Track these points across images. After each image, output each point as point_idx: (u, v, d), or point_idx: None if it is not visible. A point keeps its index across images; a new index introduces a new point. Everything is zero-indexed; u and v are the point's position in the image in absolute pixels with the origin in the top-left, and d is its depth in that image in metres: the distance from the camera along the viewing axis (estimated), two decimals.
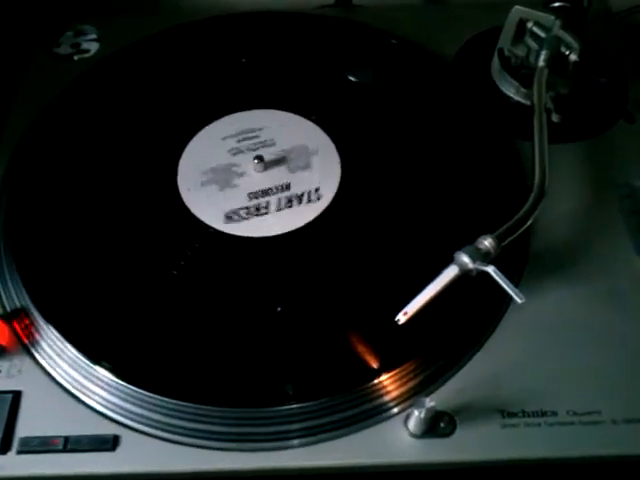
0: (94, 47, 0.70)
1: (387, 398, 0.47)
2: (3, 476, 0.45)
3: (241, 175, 0.59)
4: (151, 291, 0.52)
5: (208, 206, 0.56)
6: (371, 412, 0.47)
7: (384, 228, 0.56)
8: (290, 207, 0.56)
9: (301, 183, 0.58)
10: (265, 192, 0.57)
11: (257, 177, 0.58)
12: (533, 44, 0.61)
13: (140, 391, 0.47)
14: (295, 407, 0.46)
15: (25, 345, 0.50)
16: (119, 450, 0.46)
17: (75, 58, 0.69)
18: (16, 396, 0.48)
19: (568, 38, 0.59)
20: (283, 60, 0.67)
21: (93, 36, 0.71)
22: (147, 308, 0.51)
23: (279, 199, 0.57)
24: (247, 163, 0.59)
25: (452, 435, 0.46)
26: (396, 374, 0.48)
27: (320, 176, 0.58)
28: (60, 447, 0.46)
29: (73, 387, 0.48)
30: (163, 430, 0.46)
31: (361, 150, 0.60)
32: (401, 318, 0.47)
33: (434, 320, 0.48)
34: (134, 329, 0.50)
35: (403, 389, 0.48)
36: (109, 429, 0.47)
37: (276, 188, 0.58)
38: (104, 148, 0.60)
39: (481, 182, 0.58)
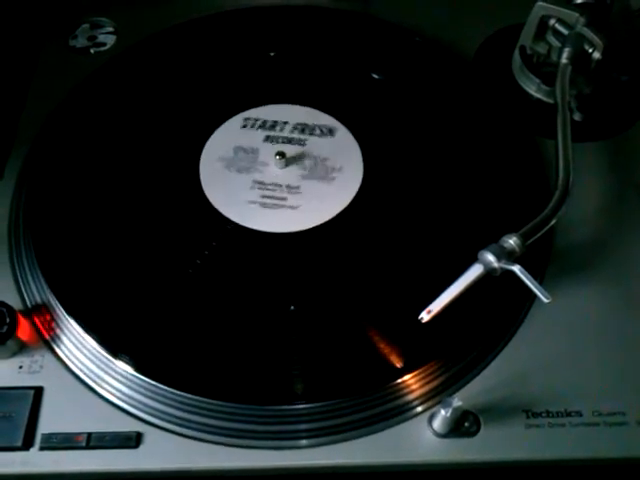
0: (111, 40, 0.69)
1: (411, 397, 0.47)
2: (25, 472, 0.45)
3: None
4: (169, 287, 0.52)
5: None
6: (395, 411, 0.47)
7: (405, 226, 0.55)
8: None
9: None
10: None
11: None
12: (555, 41, 0.61)
13: (160, 386, 0.47)
14: (318, 406, 0.46)
15: (46, 340, 0.50)
16: (142, 447, 0.46)
17: (92, 51, 0.68)
18: (38, 392, 0.47)
19: (592, 35, 0.58)
20: (304, 55, 0.66)
21: (110, 29, 0.70)
22: (166, 305, 0.51)
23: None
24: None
25: (476, 435, 0.46)
26: (420, 373, 0.47)
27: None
28: (83, 444, 0.45)
29: (95, 383, 0.48)
30: (185, 427, 0.46)
31: (382, 147, 0.60)
32: (425, 316, 0.46)
33: (457, 319, 0.48)
34: (154, 325, 0.50)
35: (427, 388, 0.47)
36: (131, 426, 0.46)
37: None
38: (124, 141, 0.60)
39: (502, 179, 0.58)
